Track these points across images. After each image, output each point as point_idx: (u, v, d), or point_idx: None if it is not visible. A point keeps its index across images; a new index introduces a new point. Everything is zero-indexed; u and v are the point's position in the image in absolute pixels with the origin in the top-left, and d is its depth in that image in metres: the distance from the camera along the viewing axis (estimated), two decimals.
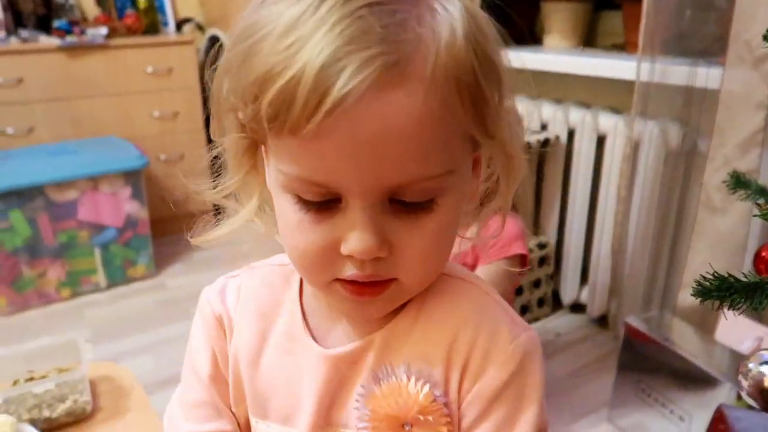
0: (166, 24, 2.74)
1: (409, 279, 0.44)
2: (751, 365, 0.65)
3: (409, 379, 0.45)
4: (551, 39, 2.00)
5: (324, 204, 0.41)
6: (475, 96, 0.39)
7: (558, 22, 1.98)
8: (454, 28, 0.38)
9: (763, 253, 0.89)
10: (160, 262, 2.44)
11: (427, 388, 0.45)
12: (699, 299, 0.60)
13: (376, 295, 0.44)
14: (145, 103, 2.50)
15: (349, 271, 0.42)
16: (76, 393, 0.75)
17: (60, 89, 2.31)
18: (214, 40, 2.79)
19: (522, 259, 1.23)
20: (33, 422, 0.72)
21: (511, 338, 0.46)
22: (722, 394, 1.25)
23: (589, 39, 2.00)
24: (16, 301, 2.09)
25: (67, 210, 2.10)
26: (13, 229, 2.01)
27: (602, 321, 1.91)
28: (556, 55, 1.81)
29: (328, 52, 0.35)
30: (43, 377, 0.78)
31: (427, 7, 0.38)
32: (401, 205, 0.40)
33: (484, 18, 0.42)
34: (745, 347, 1.38)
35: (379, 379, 0.46)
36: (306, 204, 0.42)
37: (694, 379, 1.33)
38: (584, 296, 1.93)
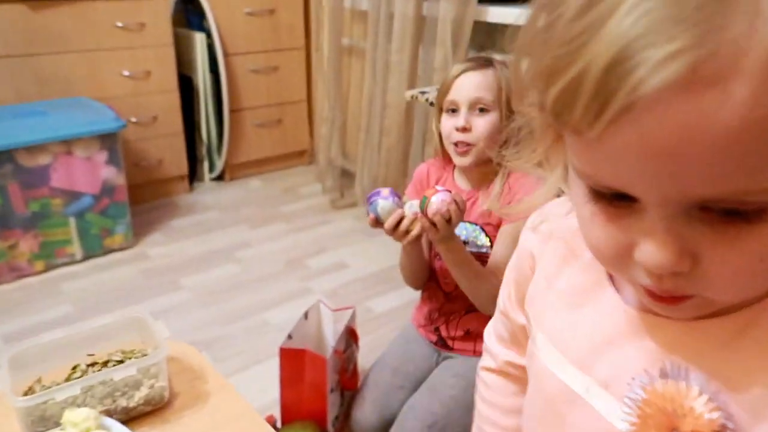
0: None
1: (718, 297, 0.36)
2: None
3: (701, 394, 0.38)
4: None
5: (618, 198, 0.35)
6: None
7: None
8: None
9: None
10: (139, 230, 2.31)
11: (717, 415, 0.38)
12: None
13: (676, 303, 0.38)
14: (115, 61, 2.32)
15: (645, 280, 0.36)
16: (151, 377, 0.68)
17: (22, 45, 2.11)
18: None
19: None
20: (108, 414, 0.64)
21: None
22: None
23: None
24: None
25: (39, 176, 1.94)
26: None
27: None
28: None
29: (620, 46, 0.29)
30: (108, 361, 0.69)
31: None
32: (716, 213, 0.32)
33: None
34: None
35: (666, 375, 0.40)
36: (597, 195, 0.36)
37: None
38: None
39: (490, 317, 1.33)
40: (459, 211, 1.09)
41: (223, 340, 1.72)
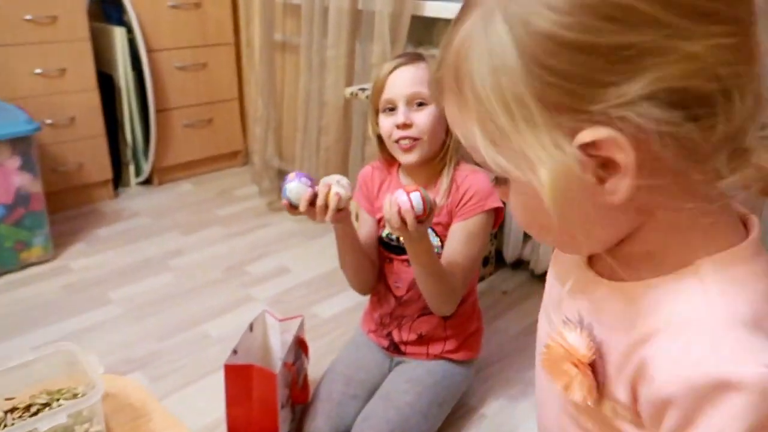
0: None
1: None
2: None
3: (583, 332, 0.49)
4: None
5: None
6: None
7: None
8: None
9: None
10: (59, 241, 2.14)
11: (593, 348, 0.48)
12: None
13: None
14: (25, 57, 2.12)
15: None
16: (84, 422, 0.58)
17: None
18: None
19: (497, 212, 1.21)
20: None
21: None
22: None
23: None
24: None
25: None
26: None
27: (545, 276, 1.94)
28: None
29: None
30: (31, 405, 0.59)
31: None
32: None
33: None
34: None
35: (569, 323, 0.50)
36: None
37: None
38: (527, 253, 1.95)
39: (443, 319, 1.31)
40: (432, 210, 1.06)
41: (159, 357, 1.61)
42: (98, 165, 2.41)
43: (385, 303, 1.34)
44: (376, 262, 1.31)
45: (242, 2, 2.61)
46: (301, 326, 1.34)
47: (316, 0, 2.12)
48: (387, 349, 1.37)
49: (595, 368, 0.48)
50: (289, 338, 1.29)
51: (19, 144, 1.86)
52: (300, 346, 1.34)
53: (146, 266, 2.05)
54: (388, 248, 1.29)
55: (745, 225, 0.46)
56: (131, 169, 2.64)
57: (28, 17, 2.08)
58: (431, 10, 1.88)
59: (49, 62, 2.17)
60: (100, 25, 2.41)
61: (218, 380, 1.21)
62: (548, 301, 0.60)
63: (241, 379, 1.19)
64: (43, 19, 2.11)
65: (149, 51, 2.43)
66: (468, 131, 0.43)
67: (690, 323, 0.42)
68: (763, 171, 0.40)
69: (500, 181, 0.47)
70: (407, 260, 1.20)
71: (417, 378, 1.30)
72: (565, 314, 0.52)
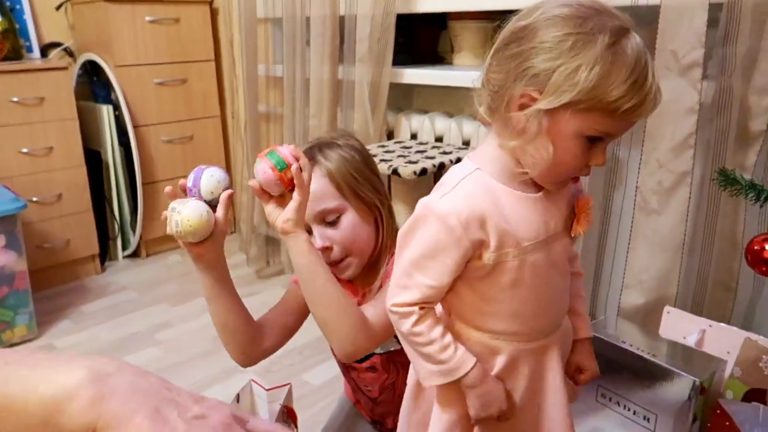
0: (30, 50, 2.42)
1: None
2: None
3: None
4: (461, 57, 2.02)
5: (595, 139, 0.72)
6: None
7: (467, 40, 2.01)
8: None
9: (755, 246, 0.92)
10: (44, 319, 2.10)
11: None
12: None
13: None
14: (12, 137, 2.16)
15: (583, 174, 0.76)
16: None
17: None
18: (90, 65, 2.51)
19: None
20: None
21: None
22: (684, 389, 1.29)
23: None
24: None
25: None
26: None
27: None
28: (468, 72, 1.83)
29: None
30: None
31: None
32: None
33: None
34: (691, 340, 1.45)
35: None
36: (590, 138, 0.71)
37: (652, 377, 1.36)
38: None
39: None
40: (304, 175, 0.87)
41: None
42: (85, 240, 2.41)
43: (362, 402, 1.29)
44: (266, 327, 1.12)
45: (227, 77, 2.69)
46: (289, 394, 1.31)
47: (297, 73, 2.19)
48: (374, 425, 1.32)
49: None
50: (277, 408, 1.26)
51: (4, 222, 1.87)
52: (288, 414, 1.30)
53: (133, 340, 2.02)
54: None
55: None
56: (119, 242, 2.63)
57: (15, 99, 2.13)
58: (409, 77, 1.95)
59: (36, 141, 2.21)
60: (87, 104, 2.46)
61: None
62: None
63: None
64: (31, 101, 2.16)
65: (136, 126, 2.48)
66: None
67: None
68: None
69: None
70: (370, 367, 1.11)
71: None
72: None
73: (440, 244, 0.71)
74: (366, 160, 1.04)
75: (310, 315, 1.03)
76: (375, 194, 1.03)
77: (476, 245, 0.71)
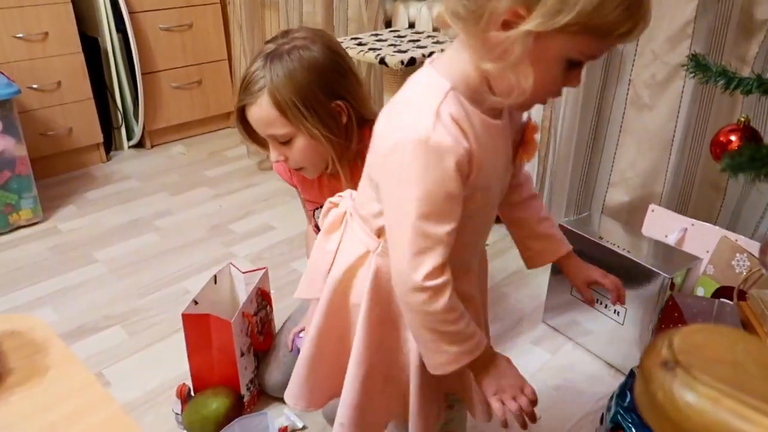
0: None
1: None
2: None
3: None
4: None
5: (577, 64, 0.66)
6: None
7: None
8: None
9: (721, 138, 0.88)
10: (49, 204, 2.17)
11: None
12: (730, 173, 0.55)
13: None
14: (4, 21, 2.13)
15: (560, 93, 0.69)
16: None
17: None
18: None
19: None
20: None
21: None
22: (656, 285, 1.29)
23: None
24: None
25: None
26: None
27: None
28: None
29: None
30: None
31: None
32: None
33: None
34: (671, 239, 1.43)
35: None
36: (573, 62, 0.65)
37: (627, 274, 1.36)
38: None
39: None
40: None
41: (137, 313, 1.64)
42: (88, 129, 2.43)
43: None
44: None
45: None
46: (264, 277, 1.35)
47: None
48: None
49: None
50: (251, 289, 1.30)
51: (0, 107, 1.88)
52: (263, 296, 1.35)
53: (133, 227, 2.08)
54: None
55: None
56: (123, 132, 2.65)
57: None
58: None
59: (30, 26, 2.18)
60: None
61: None
62: None
63: (199, 328, 1.21)
64: None
65: (132, 12, 2.41)
66: None
67: None
68: None
69: None
70: None
71: None
72: None
73: (445, 177, 0.62)
74: (323, 75, 0.97)
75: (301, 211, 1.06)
76: (323, 123, 0.98)
77: (464, 176, 0.65)
